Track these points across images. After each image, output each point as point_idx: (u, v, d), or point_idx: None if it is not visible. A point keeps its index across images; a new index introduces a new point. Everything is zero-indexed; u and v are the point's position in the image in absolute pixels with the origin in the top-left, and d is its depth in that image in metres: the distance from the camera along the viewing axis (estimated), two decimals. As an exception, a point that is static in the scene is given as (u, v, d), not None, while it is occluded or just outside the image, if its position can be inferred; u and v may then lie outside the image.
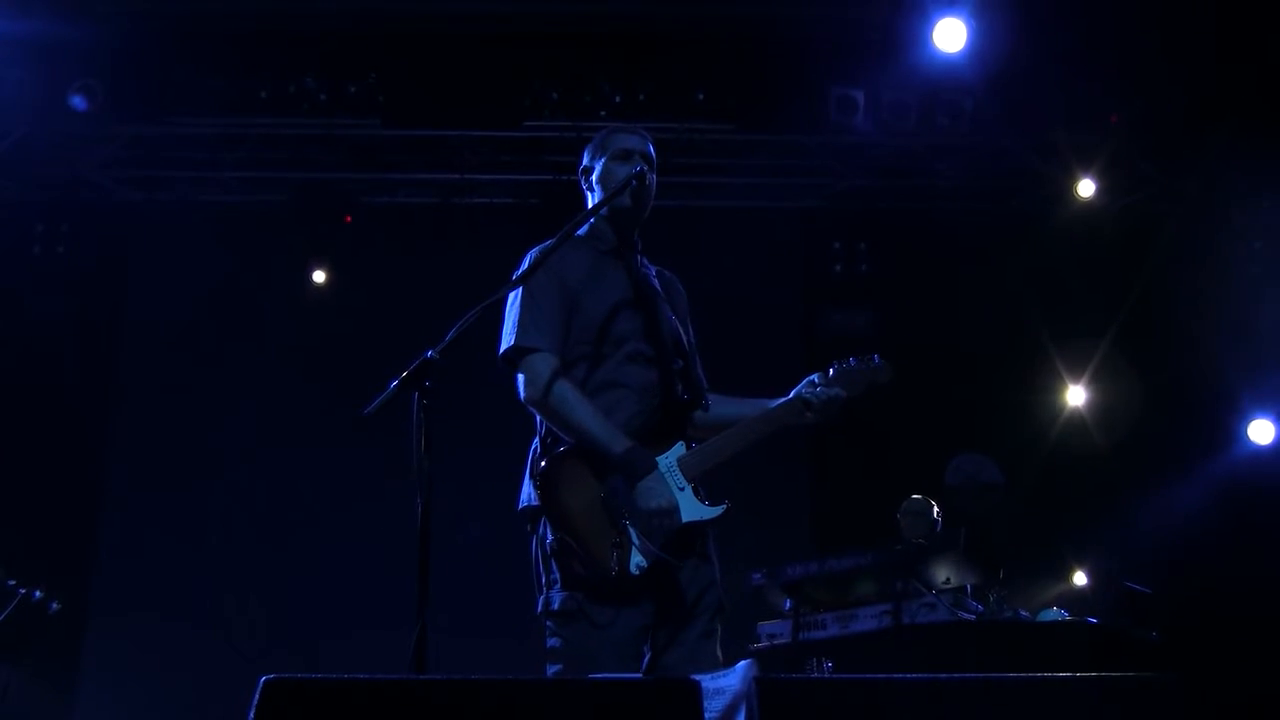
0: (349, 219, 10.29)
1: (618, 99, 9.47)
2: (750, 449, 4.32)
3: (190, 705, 9.04)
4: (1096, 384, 10.13)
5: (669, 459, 4.17)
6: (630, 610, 4.07)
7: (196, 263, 10.24)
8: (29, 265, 10.15)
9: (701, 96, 9.53)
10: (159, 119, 9.64)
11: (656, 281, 4.56)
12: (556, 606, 4.12)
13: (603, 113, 9.43)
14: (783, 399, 4.37)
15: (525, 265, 4.30)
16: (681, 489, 4.15)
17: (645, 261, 4.61)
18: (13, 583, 7.44)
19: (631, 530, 4.06)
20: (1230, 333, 9.30)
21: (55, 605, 7.62)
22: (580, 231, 4.49)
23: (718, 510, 4.18)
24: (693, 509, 4.14)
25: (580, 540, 4.07)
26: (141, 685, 9.50)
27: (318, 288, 10.26)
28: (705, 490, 4.24)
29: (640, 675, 4.00)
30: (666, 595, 4.15)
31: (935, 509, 7.96)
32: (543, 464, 4.19)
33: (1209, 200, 9.53)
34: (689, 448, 4.22)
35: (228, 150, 10.07)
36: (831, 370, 4.38)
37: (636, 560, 4.03)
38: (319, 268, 10.26)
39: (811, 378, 4.37)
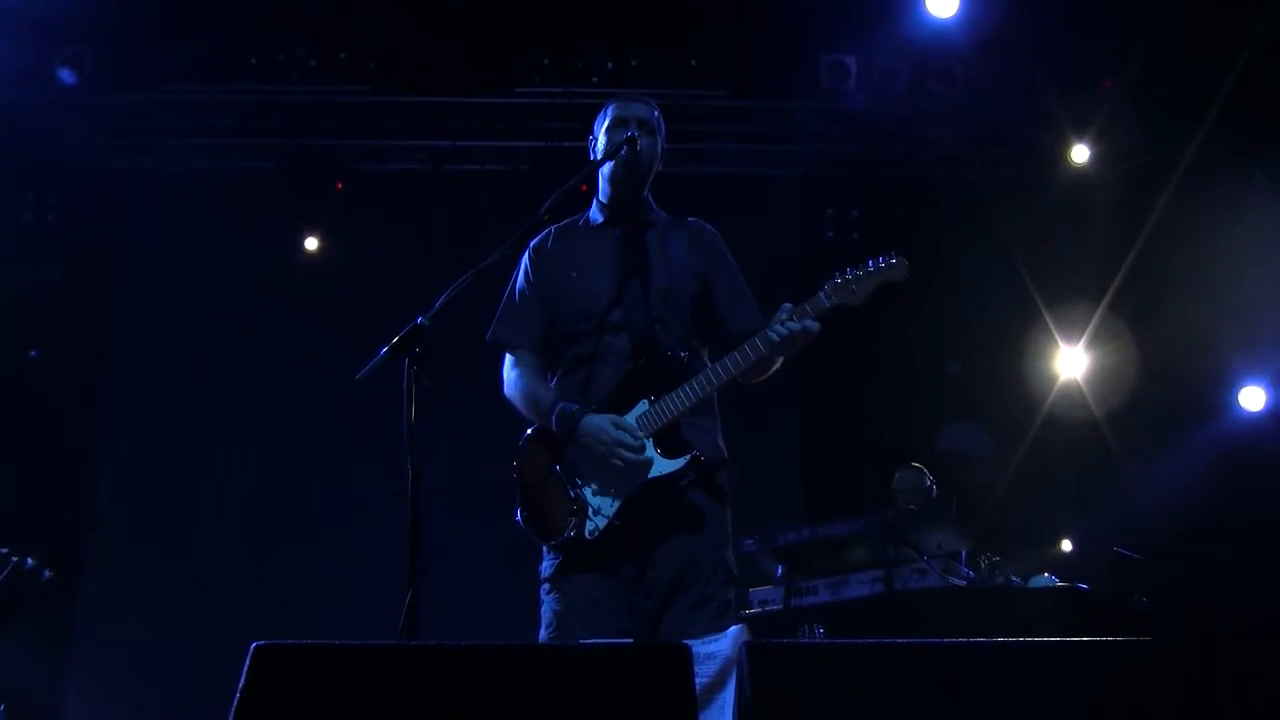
0: (340, 186, 10.25)
1: (609, 65, 9.43)
2: (717, 392, 4.32)
3: (182, 673, 9.05)
4: (1090, 351, 10.12)
5: (628, 419, 4.24)
6: (590, 576, 4.23)
7: (187, 230, 10.21)
8: (19, 234, 10.09)
9: (693, 63, 9.51)
10: (148, 86, 9.58)
11: (656, 240, 4.56)
12: (541, 573, 4.34)
13: (594, 79, 9.40)
14: (750, 339, 4.24)
15: (525, 256, 4.57)
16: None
17: (660, 218, 4.65)
18: (4, 551, 7.42)
19: (587, 497, 4.22)
20: (1222, 300, 9.28)
21: (47, 573, 7.59)
22: (591, 212, 4.65)
23: (679, 463, 4.22)
24: (653, 465, 4.22)
25: (537, 511, 4.29)
26: (134, 653, 9.51)
27: (309, 255, 10.22)
28: (671, 445, 4.26)
29: (631, 640, 4.04)
30: (643, 564, 4.23)
31: (928, 478, 7.95)
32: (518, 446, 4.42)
33: (1202, 168, 9.49)
34: (653, 404, 4.25)
35: (217, 117, 10.01)
36: (828, 285, 4.21)
37: (590, 525, 4.19)
38: (310, 235, 10.22)
39: (784, 307, 4.19)
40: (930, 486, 7.88)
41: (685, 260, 4.51)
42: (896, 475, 8.06)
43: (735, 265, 4.64)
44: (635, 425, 4.21)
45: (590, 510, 4.20)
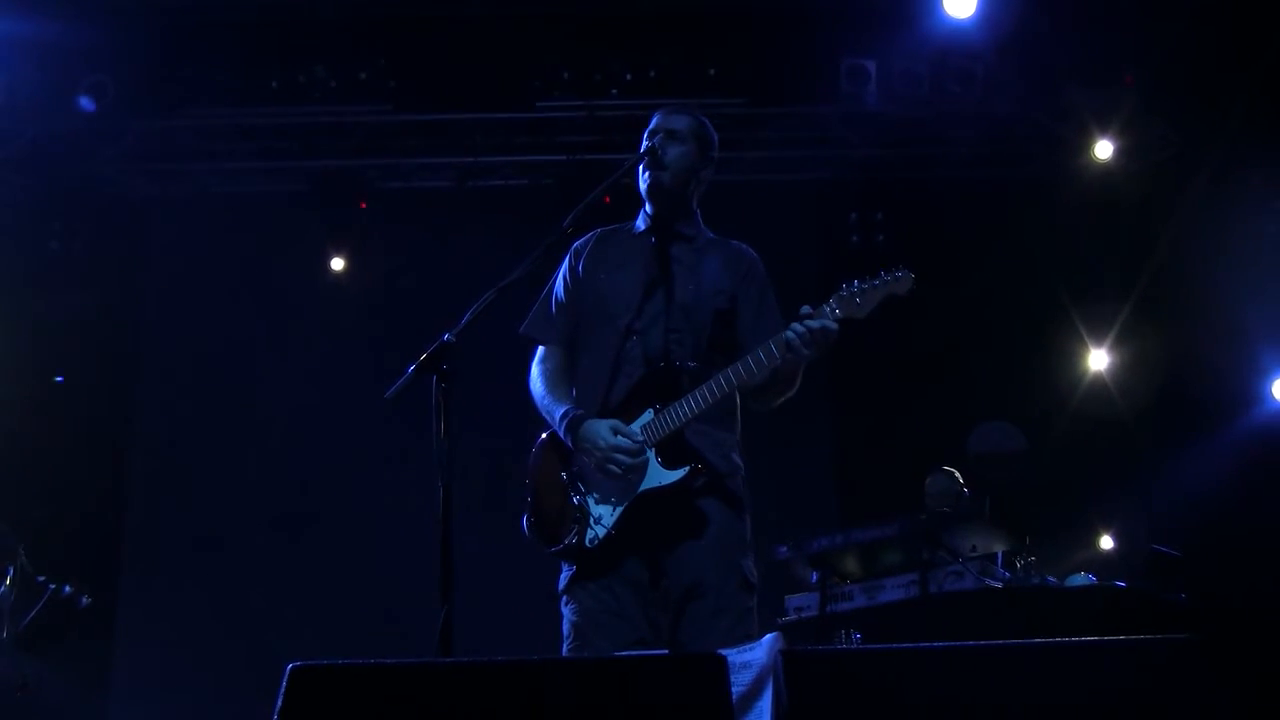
0: (364, 205, 10.29)
1: (628, 77, 9.43)
2: (726, 401, 4.26)
3: (222, 695, 9.07)
4: (1119, 348, 10.07)
5: (634, 427, 4.21)
6: (606, 587, 4.21)
7: (214, 255, 10.28)
8: (48, 263, 10.15)
9: (712, 72, 9.48)
10: (171, 113, 9.64)
11: (689, 254, 4.53)
12: (560, 584, 4.34)
13: (614, 91, 9.41)
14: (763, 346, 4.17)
15: (568, 255, 4.60)
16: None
17: (701, 235, 4.62)
18: (42, 579, 7.48)
19: (589, 506, 4.20)
20: (1251, 292, 9.22)
21: (85, 600, 7.65)
22: (636, 220, 4.64)
23: (677, 474, 4.15)
24: (652, 475, 4.18)
25: (543, 519, 4.30)
26: (174, 677, 9.53)
27: (335, 275, 10.25)
28: (674, 455, 4.19)
29: (666, 651, 4.03)
30: (655, 574, 4.23)
31: (960, 481, 7.91)
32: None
33: (1228, 160, 9.43)
34: (658, 412, 4.21)
35: (241, 141, 10.08)
36: (833, 298, 4.10)
37: (591, 534, 4.17)
38: (336, 255, 10.25)
39: (804, 309, 4.11)
40: (962, 490, 7.84)
41: (716, 277, 4.48)
42: (928, 480, 8.03)
43: (770, 290, 4.56)
44: (639, 432, 4.17)
45: (591, 519, 4.18)
